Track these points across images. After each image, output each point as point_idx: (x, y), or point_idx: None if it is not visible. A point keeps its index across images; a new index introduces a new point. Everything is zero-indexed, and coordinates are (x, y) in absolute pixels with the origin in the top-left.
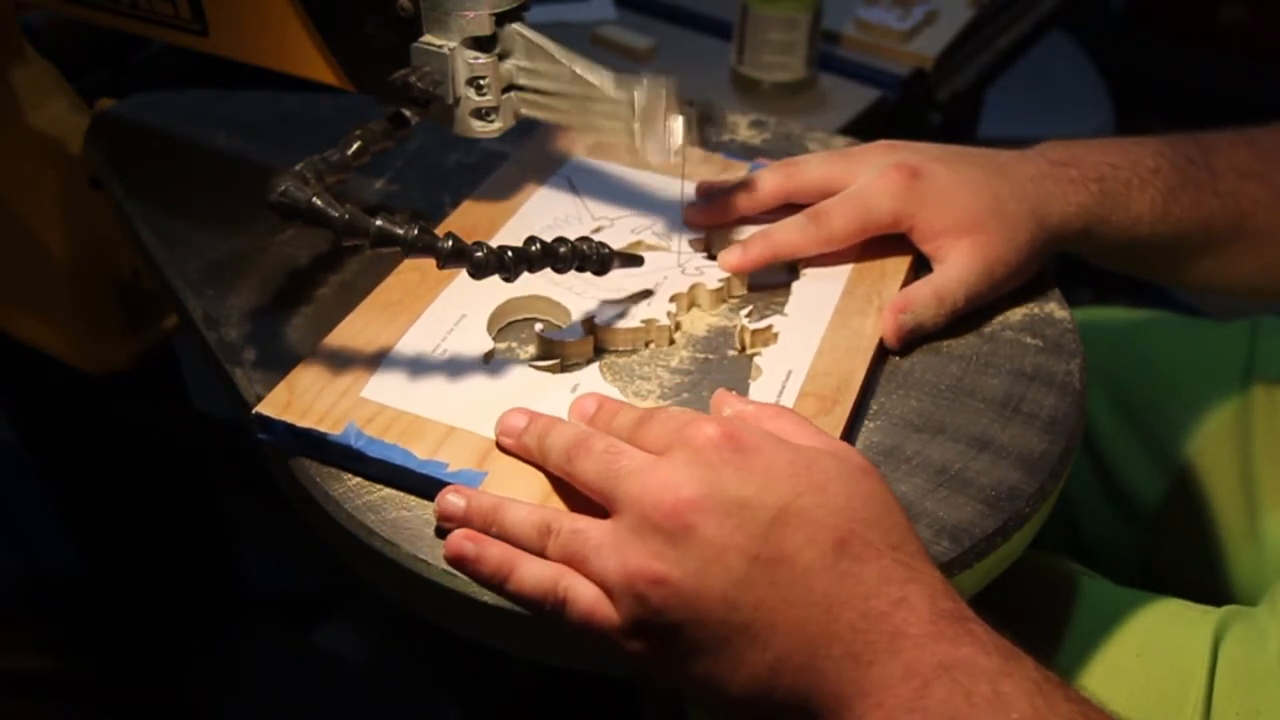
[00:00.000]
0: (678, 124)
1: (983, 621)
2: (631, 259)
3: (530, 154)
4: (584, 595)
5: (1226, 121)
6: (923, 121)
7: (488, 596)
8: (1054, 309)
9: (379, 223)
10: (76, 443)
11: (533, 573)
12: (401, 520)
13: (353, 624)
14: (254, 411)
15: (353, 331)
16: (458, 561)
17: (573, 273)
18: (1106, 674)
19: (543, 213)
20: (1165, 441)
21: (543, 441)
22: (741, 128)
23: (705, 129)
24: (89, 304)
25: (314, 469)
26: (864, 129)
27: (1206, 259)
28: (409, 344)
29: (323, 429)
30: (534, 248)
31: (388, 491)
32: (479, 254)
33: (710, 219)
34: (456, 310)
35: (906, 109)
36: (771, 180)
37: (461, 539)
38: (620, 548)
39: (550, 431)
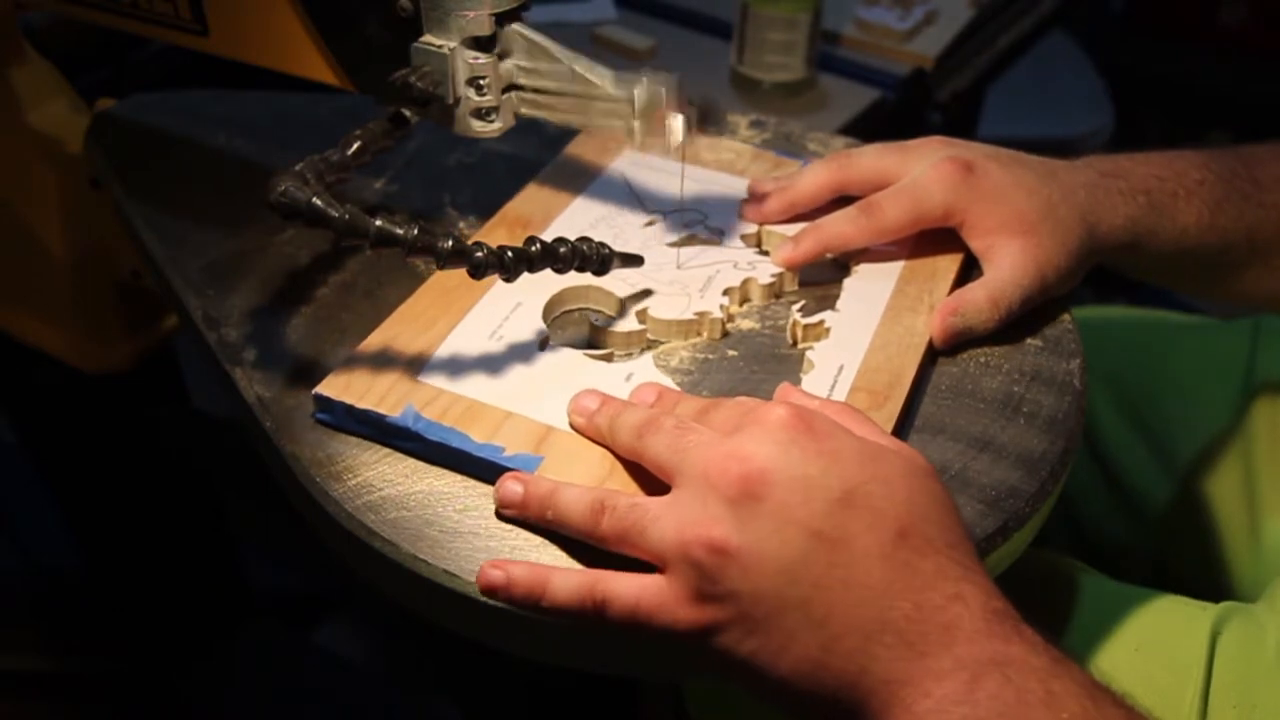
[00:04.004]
0: (678, 121)
1: (1030, 626)
2: (631, 259)
3: (584, 147)
4: (625, 591)
5: (1227, 121)
6: (923, 121)
7: (487, 597)
8: (1054, 309)
9: (379, 223)
10: (76, 443)
11: (566, 583)
12: (401, 520)
13: (353, 624)
14: (314, 392)
15: (410, 317)
16: (489, 591)
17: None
18: (1105, 669)
19: (596, 206)
20: (1167, 440)
21: (614, 422)
22: (741, 128)
23: (706, 126)
24: (89, 304)
25: (314, 469)
26: (864, 129)
27: (1251, 270)
28: (465, 330)
29: (381, 410)
30: (534, 248)
31: (388, 492)
32: (479, 254)
33: (765, 214)
34: (512, 298)
35: (906, 109)
36: (824, 172)
37: (487, 569)
38: (679, 515)
39: (622, 413)
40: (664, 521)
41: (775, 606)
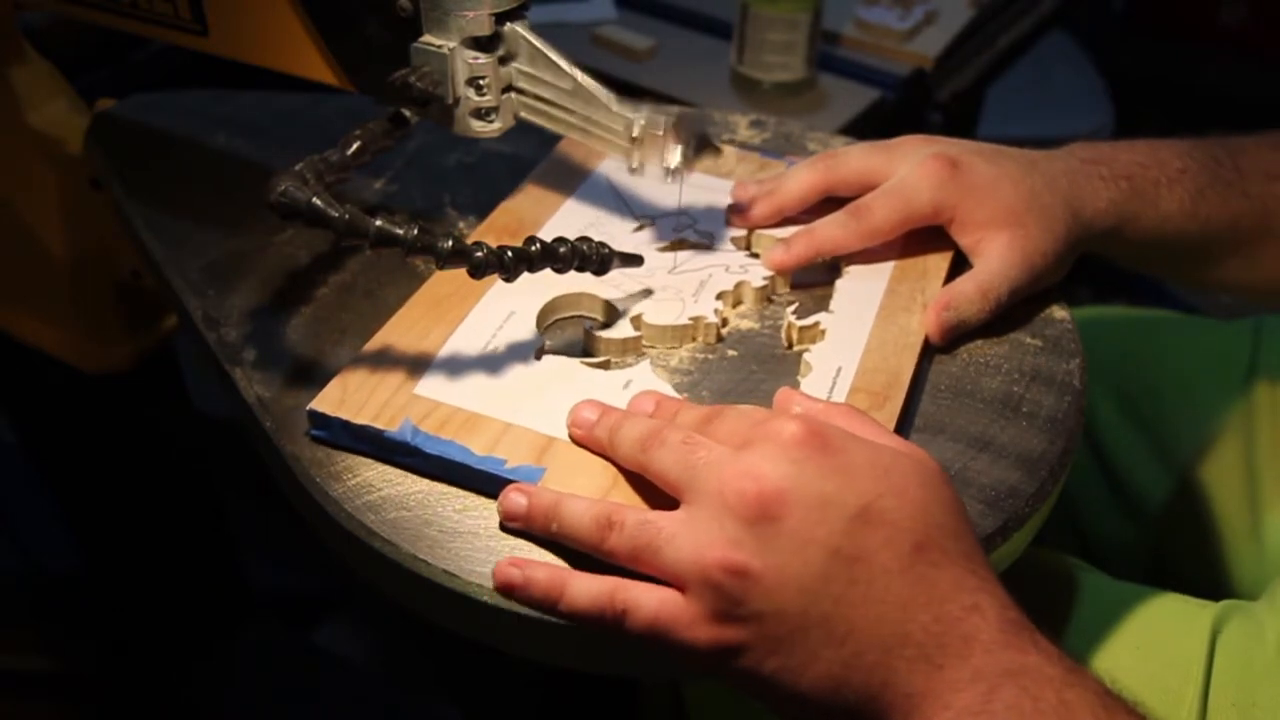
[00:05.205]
0: (675, 152)
1: (1045, 635)
2: (631, 259)
3: (570, 151)
4: (646, 603)
5: (1227, 121)
6: (923, 121)
7: (487, 597)
8: (1054, 309)
9: (379, 223)
10: (76, 443)
11: (585, 589)
12: (401, 520)
13: (353, 624)
14: (309, 408)
15: (403, 328)
16: (506, 590)
17: (619, 270)
18: (1105, 668)
19: (584, 211)
20: (1169, 440)
21: (615, 434)
22: (741, 128)
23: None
24: (89, 304)
25: (314, 469)
26: (864, 129)
27: (1233, 259)
28: (459, 341)
29: (378, 425)
30: (534, 248)
31: (388, 491)
32: (478, 254)
33: (753, 219)
34: (505, 307)
35: (906, 109)
36: (811, 174)
37: (506, 566)
38: (696, 537)
39: (623, 424)
40: (679, 542)
41: (798, 625)
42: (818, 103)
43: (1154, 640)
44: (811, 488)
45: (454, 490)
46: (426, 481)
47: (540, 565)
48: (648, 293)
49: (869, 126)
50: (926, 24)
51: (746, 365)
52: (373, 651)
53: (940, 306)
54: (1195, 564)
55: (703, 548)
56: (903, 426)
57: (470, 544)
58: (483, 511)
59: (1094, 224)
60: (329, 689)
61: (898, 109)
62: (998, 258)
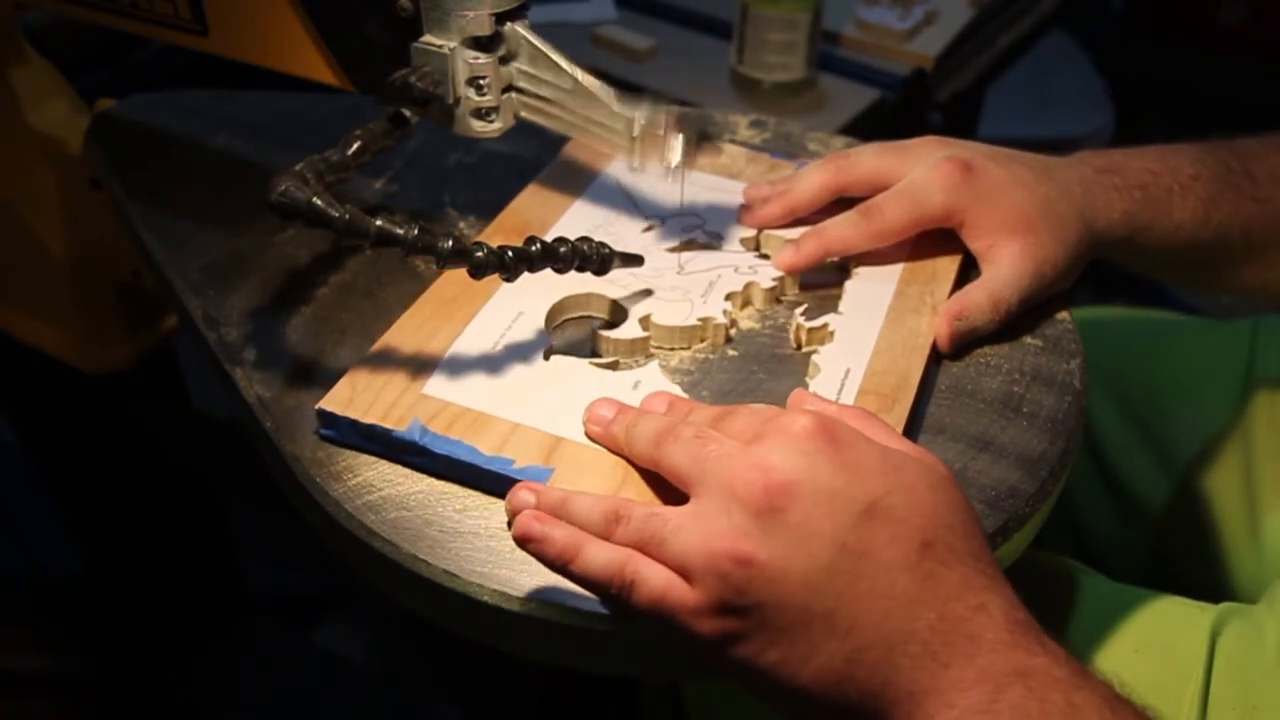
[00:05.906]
0: (677, 144)
1: (1052, 637)
2: (631, 259)
3: (578, 153)
4: (654, 578)
5: (1227, 121)
6: (923, 121)
7: (487, 597)
8: (1054, 309)
9: (379, 223)
10: (77, 443)
11: (599, 555)
12: (401, 520)
13: (353, 624)
14: (317, 408)
15: (411, 328)
16: (524, 541)
17: (626, 271)
18: (1104, 670)
19: (593, 212)
20: (1167, 441)
21: (630, 431)
22: (741, 128)
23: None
24: (89, 304)
25: (314, 469)
26: (864, 129)
27: (1247, 265)
28: (468, 341)
29: (387, 425)
30: (534, 248)
31: (388, 492)
32: (479, 254)
33: (764, 220)
34: (513, 307)
35: (906, 109)
36: (823, 175)
37: (529, 519)
38: (703, 527)
39: (638, 421)
40: (686, 533)
41: (800, 618)
42: (818, 103)
43: (1153, 642)
44: (820, 481)
45: (454, 490)
46: (427, 481)
47: (561, 524)
48: (647, 292)
49: (869, 126)
50: (926, 24)
51: (747, 365)
52: (373, 651)
53: (952, 316)
54: (1194, 566)
55: (710, 537)
56: (911, 429)
57: (470, 544)
58: (483, 512)
59: (1106, 234)
60: (329, 689)
61: (898, 109)
62: (1009, 266)
